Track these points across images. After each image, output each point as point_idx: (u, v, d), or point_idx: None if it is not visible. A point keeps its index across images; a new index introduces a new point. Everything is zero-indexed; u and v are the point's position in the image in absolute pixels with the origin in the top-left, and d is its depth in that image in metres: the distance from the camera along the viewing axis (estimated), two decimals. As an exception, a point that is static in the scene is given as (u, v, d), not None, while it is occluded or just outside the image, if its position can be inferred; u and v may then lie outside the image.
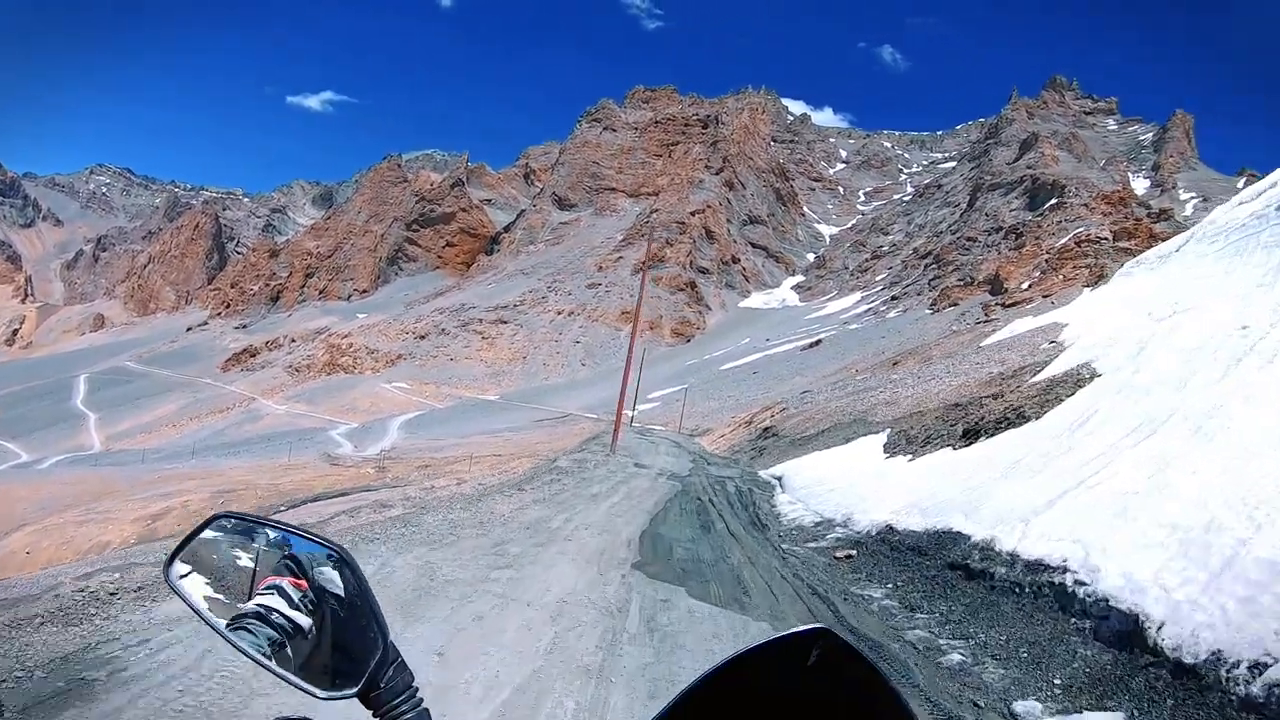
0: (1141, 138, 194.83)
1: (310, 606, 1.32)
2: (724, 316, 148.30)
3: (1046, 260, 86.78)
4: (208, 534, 1.47)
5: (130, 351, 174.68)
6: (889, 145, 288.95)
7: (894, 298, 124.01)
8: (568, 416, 76.36)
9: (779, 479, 21.43)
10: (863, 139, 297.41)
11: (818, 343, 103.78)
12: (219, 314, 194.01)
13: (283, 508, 29.05)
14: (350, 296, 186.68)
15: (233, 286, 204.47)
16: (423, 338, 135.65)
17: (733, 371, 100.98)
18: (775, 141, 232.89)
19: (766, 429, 40.94)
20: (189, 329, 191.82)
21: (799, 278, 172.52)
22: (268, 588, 1.32)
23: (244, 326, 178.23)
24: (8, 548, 28.86)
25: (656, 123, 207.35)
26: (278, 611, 1.28)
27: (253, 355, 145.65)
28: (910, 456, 18.70)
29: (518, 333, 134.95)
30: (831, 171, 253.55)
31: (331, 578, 1.34)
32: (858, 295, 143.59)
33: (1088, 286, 73.01)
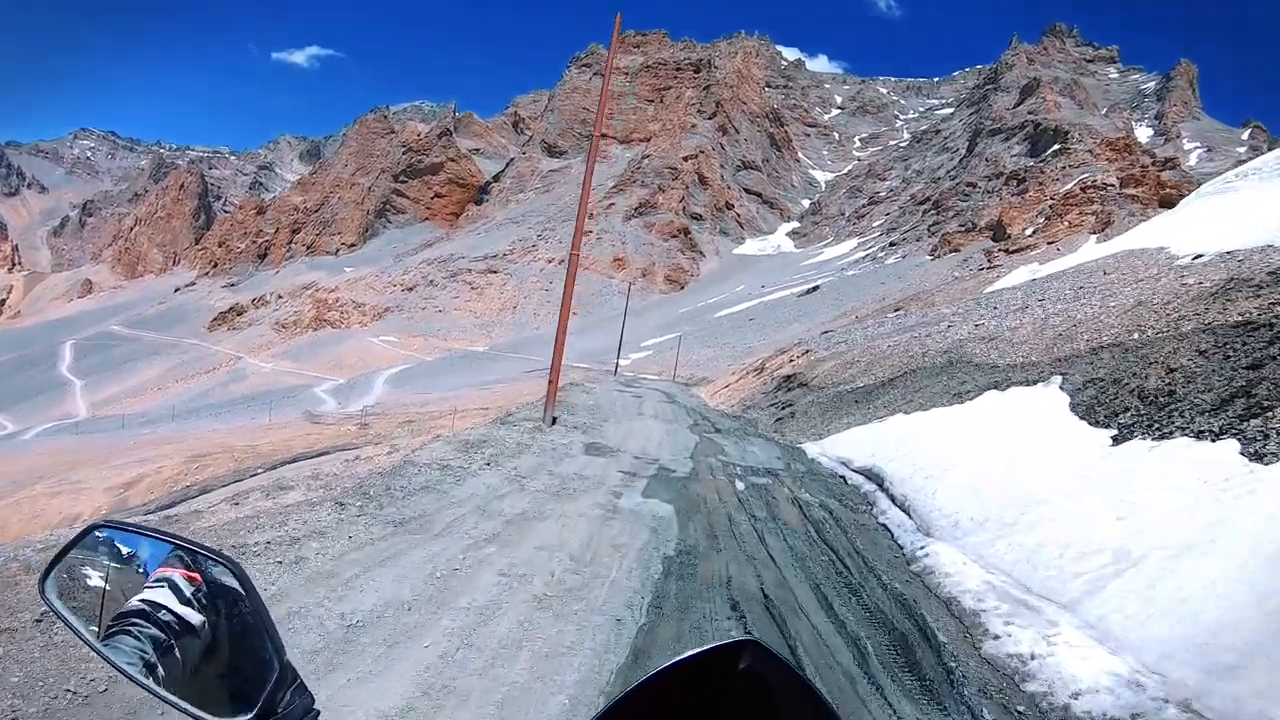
0: (1143, 87, 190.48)
1: (203, 603, 1.22)
2: (718, 263, 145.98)
3: (1050, 206, 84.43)
4: (85, 546, 1.37)
5: (118, 316, 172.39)
6: (884, 91, 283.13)
7: (892, 244, 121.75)
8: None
9: (873, 477, 12.02)
10: (858, 85, 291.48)
11: (815, 289, 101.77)
12: (207, 274, 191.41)
13: (259, 470, 27.57)
14: (338, 251, 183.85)
15: (220, 245, 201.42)
16: (410, 290, 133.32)
17: (728, 319, 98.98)
18: (769, 87, 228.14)
19: (788, 378, 31.36)
20: (177, 290, 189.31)
21: (794, 224, 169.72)
22: (157, 580, 1.23)
23: (232, 285, 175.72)
24: (-25, 525, 27.29)
25: (648, 67, 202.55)
26: (165, 608, 1.18)
27: (239, 314, 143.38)
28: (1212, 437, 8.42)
29: (507, 282, 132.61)
30: (826, 117, 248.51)
31: (226, 571, 1.26)
32: (854, 241, 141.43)
33: (1094, 233, 71.23)
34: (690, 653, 0.94)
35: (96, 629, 1.22)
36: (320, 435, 38.86)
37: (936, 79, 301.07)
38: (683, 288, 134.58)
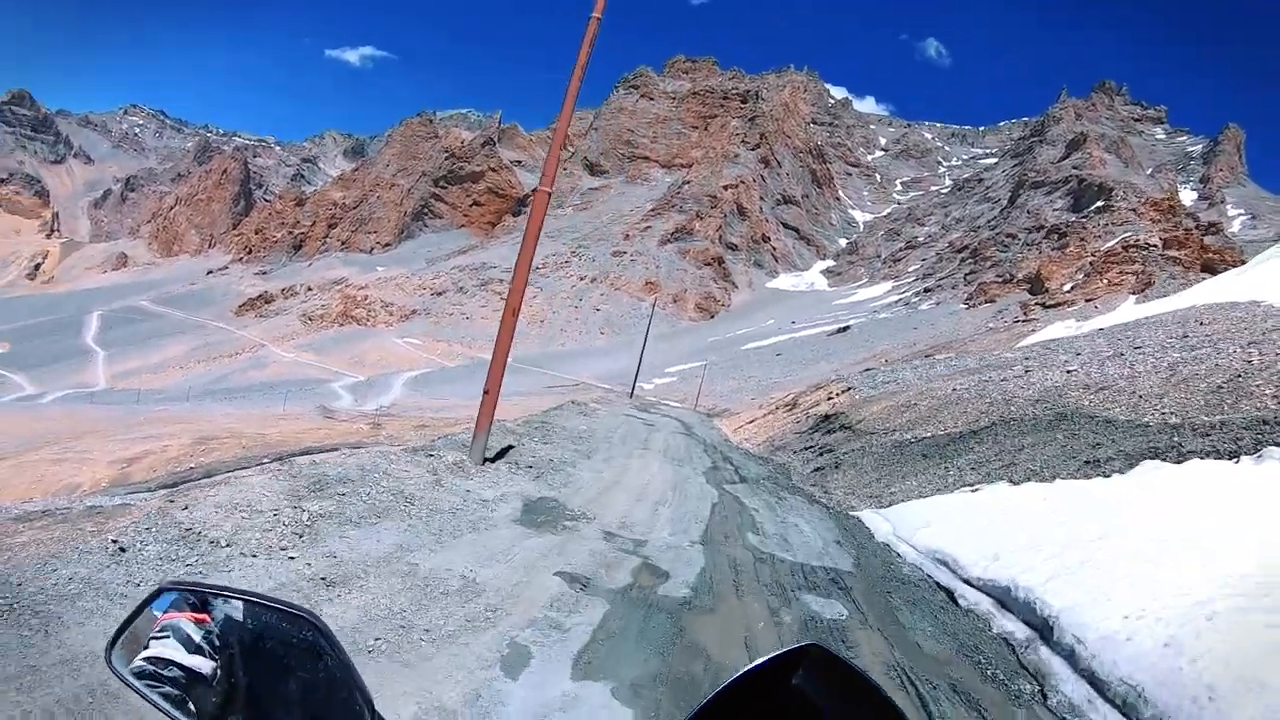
0: (1190, 149, 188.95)
1: (214, 646, 1.17)
2: (750, 295, 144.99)
3: (1091, 263, 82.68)
4: (154, 610, 1.29)
5: (149, 292, 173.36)
6: (929, 136, 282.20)
7: (927, 290, 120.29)
8: (580, 384, 73.26)
9: (1019, 606, 7.23)
10: (903, 128, 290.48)
11: (846, 329, 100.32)
12: (240, 259, 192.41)
13: (265, 459, 26.69)
14: (372, 249, 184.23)
15: (256, 233, 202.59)
16: (439, 294, 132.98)
17: (756, 352, 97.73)
18: (814, 123, 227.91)
19: (827, 418, 27.13)
20: (209, 272, 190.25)
21: (829, 262, 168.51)
22: (161, 630, 1.17)
23: (264, 273, 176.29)
24: (-25, 483, 26.69)
25: (695, 94, 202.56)
26: (172, 663, 1.13)
27: (268, 302, 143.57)
28: None
29: (537, 296, 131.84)
30: (869, 158, 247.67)
31: (236, 606, 1.20)
32: (889, 284, 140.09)
33: (1134, 293, 69.55)
34: (756, 663, 0.94)
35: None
36: (331, 431, 38.02)
37: (982, 128, 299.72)
38: (713, 316, 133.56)
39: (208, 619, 1.16)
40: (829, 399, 32.19)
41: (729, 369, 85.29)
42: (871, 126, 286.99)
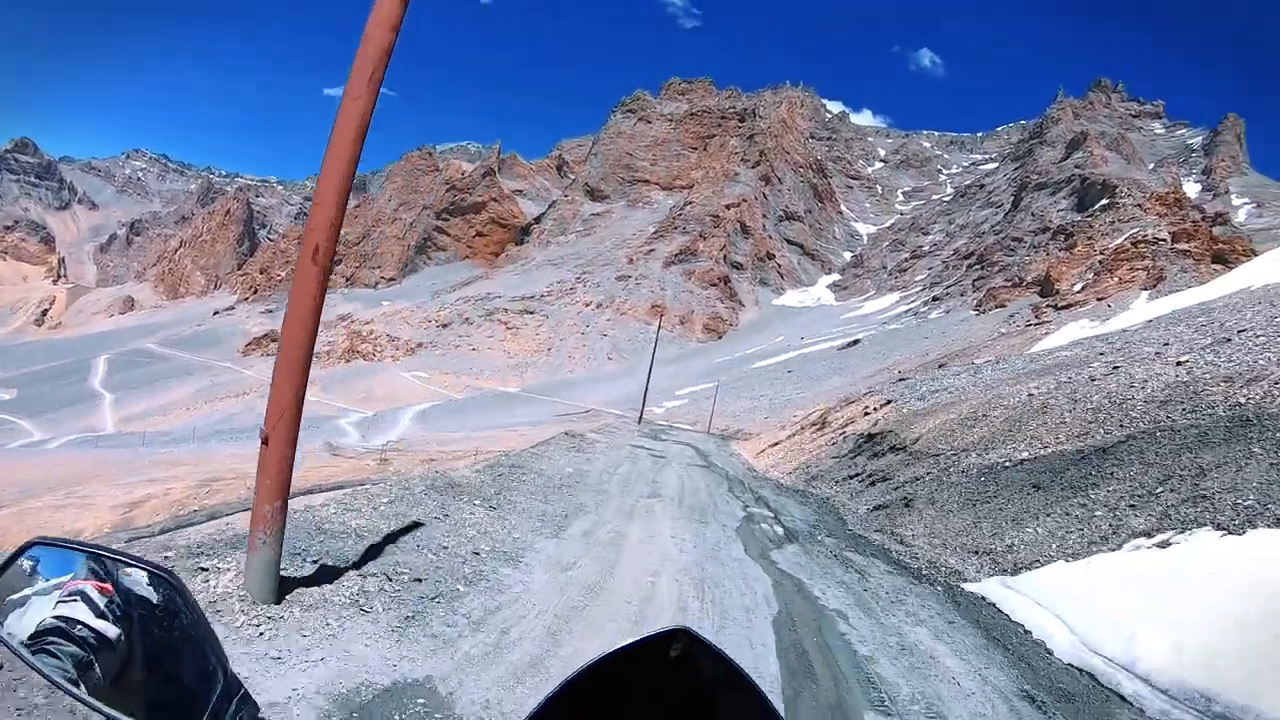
0: (1190, 142, 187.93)
1: (118, 614, 1.19)
2: (757, 314, 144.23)
3: (1100, 261, 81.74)
4: (24, 562, 1.32)
5: (156, 334, 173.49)
6: (928, 145, 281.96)
7: (935, 298, 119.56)
8: (589, 411, 72.42)
9: None
10: (901, 138, 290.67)
11: (856, 342, 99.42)
12: (246, 299, 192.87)
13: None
14: (377, 284, 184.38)
15: (261, 272, 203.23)
16: (445, 326, 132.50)
17: (766, 370, 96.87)
18: (813, 139, 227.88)
19: (870, 438, 23.50)
20: (215, 313, 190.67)
21: (835, 276, 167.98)
22: (70, 594, 1.20)
23: (269, 312, 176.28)
24: (-24, 532, 26.12)
25: (692, 115, 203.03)
26: (81, 623, 1.14)
27: (274, 340, 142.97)
28: None
29: (543, 324, 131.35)
30: (869, 170, 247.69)
31: (138, 580, 1.23)
32: (896, 295, 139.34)
33: (1145, 289, 68.61)
34: (624, 643, 0.96)
35: (30, 646, 1.17)
36: (338, 468, 37.52)
37: (980, 134, 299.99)
38: (721, 337, 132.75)
39: (110, 589, 1.18)
40: (866, 414, 28.87)
41: (740, 389, 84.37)
42: (870, 139, 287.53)
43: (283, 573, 5.49)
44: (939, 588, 9.95)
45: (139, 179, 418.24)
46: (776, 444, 35.34)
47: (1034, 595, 9.06)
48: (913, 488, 16.35)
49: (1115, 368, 19.21)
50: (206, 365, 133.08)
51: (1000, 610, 8.96)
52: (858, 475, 20.53)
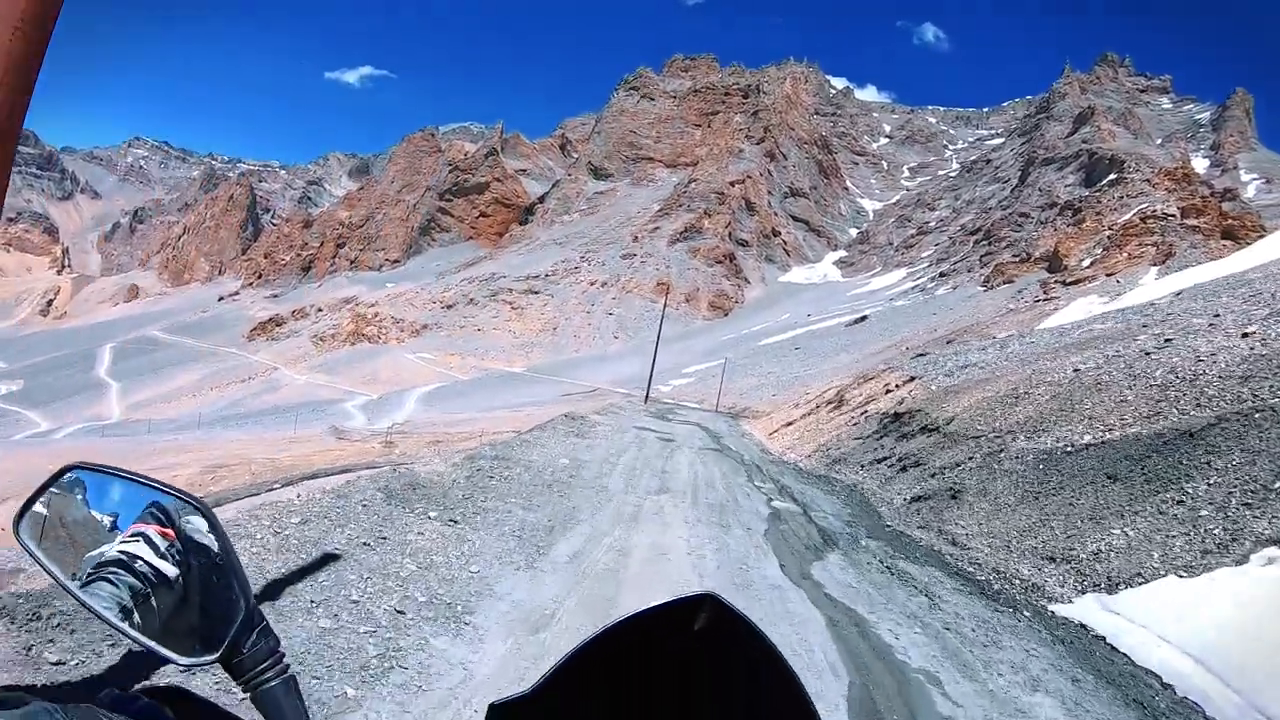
0: (1198, 117, 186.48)
1: (177, 557, 1.22)
2: (763, 291, 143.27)
3: (1109, 237, 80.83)
4: (61, 487, 1.33)
5: (161, 322, 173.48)
6: (933, 121, 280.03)
7: (942, 274, 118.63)
8: (595, 390, 71.91)
9: None
10: (906, 114, 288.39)
11: (864, 319, 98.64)
12: (251, 284, 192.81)
13: (276, 485, 25.90)
14: (381, 266, 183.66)
15: (265, 257, 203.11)
16: (450, 307, 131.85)
17: (773, 347, 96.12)
18: (817, 114, 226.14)
19: (896, 417, 22.04)
20: (220, 299, 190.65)
21: (841, 253, 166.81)
22: (133, 534, 1.23)
23: (275, 296, 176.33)
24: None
25: (696, 91, 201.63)
26: (142, 559, 1.19)
27: (279, 325, 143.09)
28: None
29: (548, 303, 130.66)
30: (875, 146, 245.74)
31: (199, 528, 1.26)
32: (903, 272, 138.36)
33: (1155, 265, 67.82)
34: (652, 605, 0.97)
35: (74, 573, 1.21)
36: (343, 451, 37.05)
37: (986, 109, 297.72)
38: (727, 314, 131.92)
39: (173, 534, 1.23)
40: (888, 392, 27.12)
41: (747, 366, 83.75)
42: (874, 114, 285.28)
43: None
44: (1027, 614, 8.24)
45: (141, 167, 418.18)
46: (791, 423, 33.74)
47: (1153, 626, 7.45)
48: (957, 476, 14.69)
49: (1167, 340, 17.75)
50: (212, 351, 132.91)
51: (1117, 650, 7.27)
52: (885, 459, 19.02)
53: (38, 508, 1.29)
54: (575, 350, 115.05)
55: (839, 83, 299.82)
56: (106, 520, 1.28)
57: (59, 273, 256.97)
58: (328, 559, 6.13)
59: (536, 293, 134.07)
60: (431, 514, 8.39)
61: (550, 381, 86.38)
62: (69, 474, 1.33)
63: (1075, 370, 17.51)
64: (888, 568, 9.56)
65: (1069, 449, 12.98)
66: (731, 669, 0.96)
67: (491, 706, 0.86)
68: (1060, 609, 8.48)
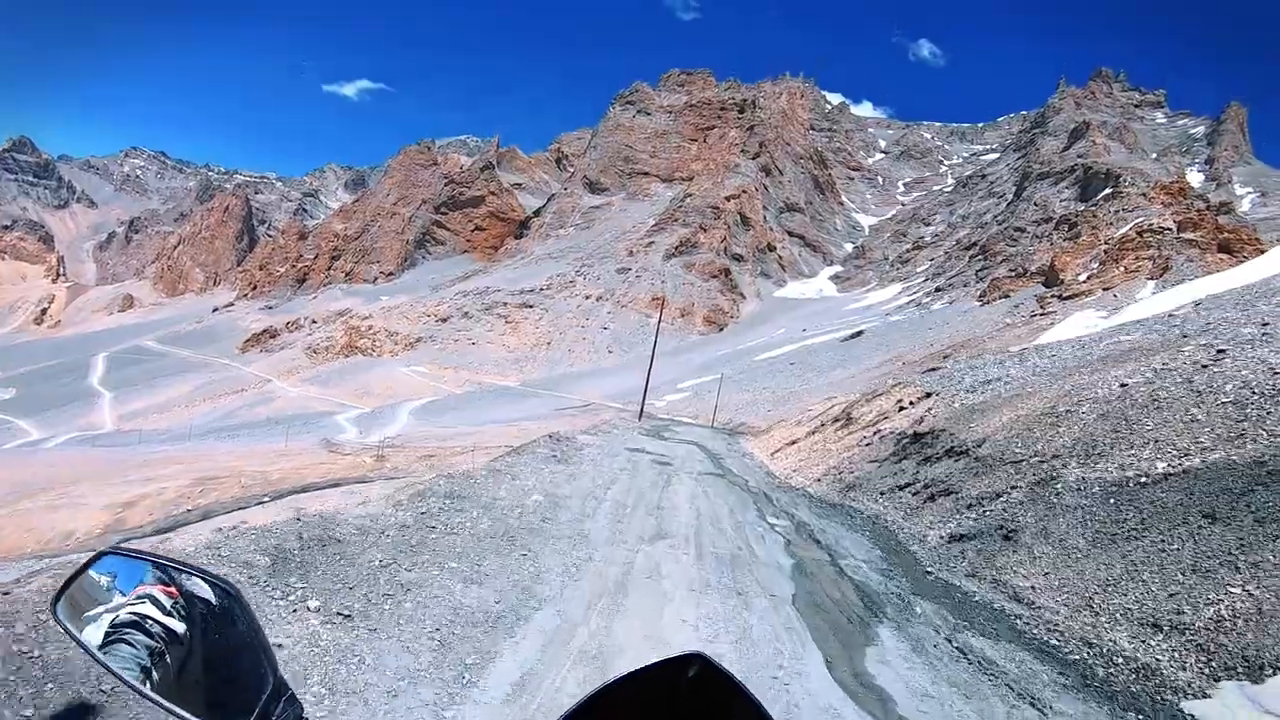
0: (1192, 131, 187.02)
1: (183, 614, 1.29)
2: (759, 305, 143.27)
3: (1105, 251, 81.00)
4: (94, 572, 1.43)
5: (155, 332, 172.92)
6: (929, 136, 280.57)
7: (938, 289, 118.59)
8: (590, 405, 71.69)
9: None
10: (902, 129, 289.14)
11: (860, 334, 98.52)
12: (245, 295, 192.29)
13: (266, 499, 25.91)
14: (376, 279, 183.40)
15: (260, 268, 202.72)
16: (444, 321, 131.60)
17: (769, 362, 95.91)
18: (813, 130, 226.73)
19: (917, 438, 20.07)
20: (215, 309, 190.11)
21: (837, 268, 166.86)
22: (138, 597, 1.30)
23: (269, 308, 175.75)
24: (-32, 534, 25.88)
25: (692, 106, 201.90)
26: (152, 619, 1.24)
27: (272, 336, 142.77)
28: None
29: (543, 317, 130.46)
30: (870, 161, 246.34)
31: (197, 584, 1.32)
32: (898, 286, 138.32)
33: (1152, 279, 67.93)
34: (642, 665, 0.97)
35: (99, 645, 1.26)
36: (334, 465, 37.05)
37: (981, 124, 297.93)
38: (722, 329, 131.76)
39: (176, 592, 1.26)
40: (901, 409, 25.29)
41: (742, 381, 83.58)
42: (870, 129, 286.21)
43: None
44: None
45: (137, 177, 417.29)
46: (794, 442, 31.49)
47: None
48: (1004, 510, 12.66)
49: (1220, 352, 15.92)
50: (206, 362, 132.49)
51: None
52: (908, 485, 17.20)
53: (73, 589, 1.35)
54: (570, 364, 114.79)
55: (835, 98, 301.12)
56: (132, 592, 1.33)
57: (54, 281, 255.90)
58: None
59: (531, 306, 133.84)
60: (312, 604, 5.83)
61: (544, 395, 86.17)
62: (104, 558, 1.37)
63: (1122, 385, 16.02)
64: (959, 649, 7.69)
65: (1143, 479, 11.12)
66: None
67: None
68: (1196, 708, 6.42)
